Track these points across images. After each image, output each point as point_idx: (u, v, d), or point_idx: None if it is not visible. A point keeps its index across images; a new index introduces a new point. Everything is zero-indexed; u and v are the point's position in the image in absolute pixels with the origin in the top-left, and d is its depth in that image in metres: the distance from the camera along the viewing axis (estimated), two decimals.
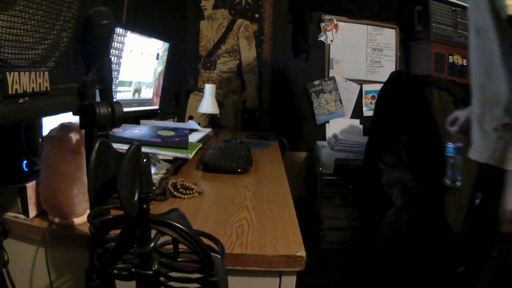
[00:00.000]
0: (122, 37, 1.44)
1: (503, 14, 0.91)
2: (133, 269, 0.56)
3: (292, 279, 0.76)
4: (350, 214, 2.21)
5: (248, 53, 2.52)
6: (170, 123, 1.90)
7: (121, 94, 1.53)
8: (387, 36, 2.59)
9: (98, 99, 0.68)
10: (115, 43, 1.41)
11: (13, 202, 0.80)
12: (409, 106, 1.74)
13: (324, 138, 2.52)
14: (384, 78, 1.91)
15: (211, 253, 0.53)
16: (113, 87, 1.38)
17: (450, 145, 1.36)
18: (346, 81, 2.56)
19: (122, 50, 1.46)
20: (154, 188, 0.98)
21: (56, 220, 0.80)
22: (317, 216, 2.22)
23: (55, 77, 0.60)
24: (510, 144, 0.98)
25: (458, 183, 1.35)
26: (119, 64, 1.46)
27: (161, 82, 1.92)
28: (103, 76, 0.68)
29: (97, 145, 0.49)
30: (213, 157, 1.33)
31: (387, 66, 2.59)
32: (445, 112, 1.48)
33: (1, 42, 0.49)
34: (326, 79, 2.54)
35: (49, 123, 0.86)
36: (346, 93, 2.56)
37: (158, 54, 1.80)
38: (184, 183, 1.04)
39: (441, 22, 2.34)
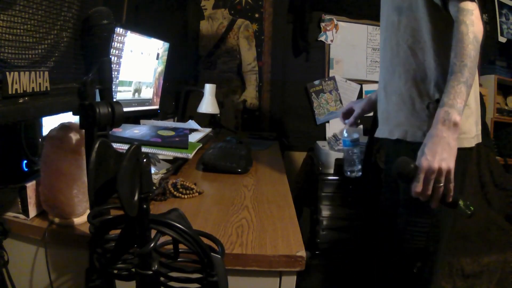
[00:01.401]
0: (122, 37, 1.44)
1: None
2: (133, 269, 0.56)
3: (292, 279, 0.76)
4: (350, 214, 2.21)
5: (248, 53, 2.52)
6: (170, 123, 1.90)
7: (121, 94, 1.53)
8: None
9: (98, 99, 0.68)
10: (115, 43, 1.41)
11: (13, 202, 0.80)
12: None
13: (324, 138, 2.51)
14: None
15: (211, 253, 0.53)
16: (113, 87, 1.38)
17: (346, 138, 1.38)
18: (346, 81, 2.55)
19: (122, 50, 1.46)
20: (154, 188, 0.98)
21: (56, 220, 0.80)
22: (317, 216, 2.22)
23: (55, 77, 0.60)
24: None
25: (359, 173, 1.40)
26: (119, 64, 1.46)
27: (161, 82, 1.92)
28: (103, 76, 0.68)
29: (97, 145, 0.49)
30: (213, 157, 1.33)
31: None
32: None
33: (1, 42, 0.49)
34: (326, 79, 2.54)
35: (49, 123, 0.86)
36: (346, 93, 2.55)
37: (158, 54, 1.80)
38: (184, 183, 1.04)
39: None
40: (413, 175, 0.90)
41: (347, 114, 1.40)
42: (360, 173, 1.40)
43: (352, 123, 1.37)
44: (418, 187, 0.89)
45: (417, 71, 1.03)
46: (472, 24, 0.89)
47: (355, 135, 1.37)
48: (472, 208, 0.91)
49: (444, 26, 0.99)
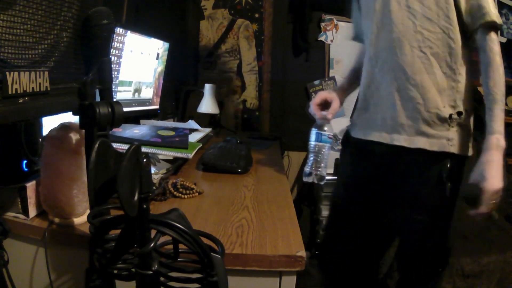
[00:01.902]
0: (122, 37, 1.44)
1: (481, 20, 0.99)
2: (133, 269, 0.56)
3: (292, 279, 0.76)
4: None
5: (248, 53, 2.52)
6: (170, 123, 1.90)
7: (121, 94, 1.53)
8: None
9: (98, 99, 0.68)
10: (115, 43, 1.41)
11: (13, 202, 0.80)
12: None
13: None
14: None
15: (211, 253, 0.53)
16: (113, 87, 1.38)
17: (323, 133, 1.16)
18: None
19: (122, 50, 1.45)
20: (154, 188, 0.98)
21: (56, 220, 0.80)
22: (317, 216, 2.22)
23: (55, 77, 0.60)
24: (469, 130, 1.05)
25: (323, 182, 1.18)
26: (119, 64, 1.46)
27: (161, 82, 1.92)
28: (103, 76, 0.68)
29: (97, 145, 0.49)
30: (213, 157, 1.33)
31: None
32: None
33: (1, 42, 0.49)
34: (326, 79, 2.54)
35: (49, 123, 0.86)
36: None
37: (158, 54, 1.80)
38: (184, 183, 1.04)
39: None
40: (478, 198, 0.96)
41: (321, 105, 1.28)
42: (323, 182, 1.18)
43: (333, 115, 1.24)
44: (485, 209, 0.95)
45: (439, 81, 1.02)
46: (500, 54, 0.98)
47: (331, 132, 1.17)
48: (497, 216, 0.97)
49: (469, 39, 1.03)
